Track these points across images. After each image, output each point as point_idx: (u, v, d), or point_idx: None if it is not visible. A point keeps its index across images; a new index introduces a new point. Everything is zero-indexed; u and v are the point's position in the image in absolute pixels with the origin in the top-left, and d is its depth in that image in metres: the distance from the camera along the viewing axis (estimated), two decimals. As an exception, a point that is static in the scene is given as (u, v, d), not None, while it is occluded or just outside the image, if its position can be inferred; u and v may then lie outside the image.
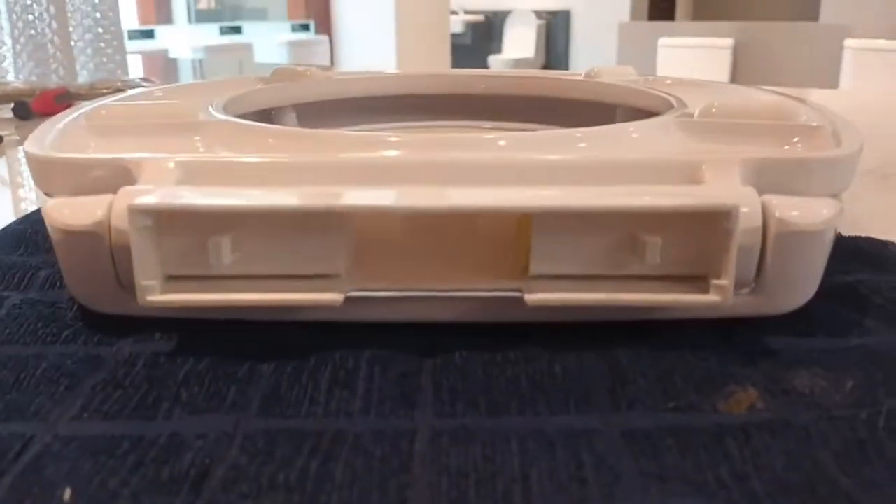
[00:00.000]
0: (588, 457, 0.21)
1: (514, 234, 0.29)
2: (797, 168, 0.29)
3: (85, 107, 0.39)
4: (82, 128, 0.36)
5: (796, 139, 0.33)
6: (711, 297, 0.26)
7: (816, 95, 0.87)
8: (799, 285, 0.28)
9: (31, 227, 0.43)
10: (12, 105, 0.76)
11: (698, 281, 0.27)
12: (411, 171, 0.28)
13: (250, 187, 0.28)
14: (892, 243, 0.37)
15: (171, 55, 3.08)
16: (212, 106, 0.39)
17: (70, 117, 0.37)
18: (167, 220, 0.26)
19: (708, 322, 0.29)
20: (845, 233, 0.39)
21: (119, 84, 0.89)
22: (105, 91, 0.82)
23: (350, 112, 0.56)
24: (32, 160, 0.31)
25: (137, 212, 0.25)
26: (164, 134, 0.34)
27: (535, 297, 0.26)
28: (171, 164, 0.29)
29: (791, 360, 0.26)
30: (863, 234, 0.39)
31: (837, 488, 0.20)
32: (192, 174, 0.29)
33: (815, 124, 0.34)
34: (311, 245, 0.27)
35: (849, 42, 2.11)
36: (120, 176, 0.29)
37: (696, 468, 0.20)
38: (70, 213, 0.28)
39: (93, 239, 0.27)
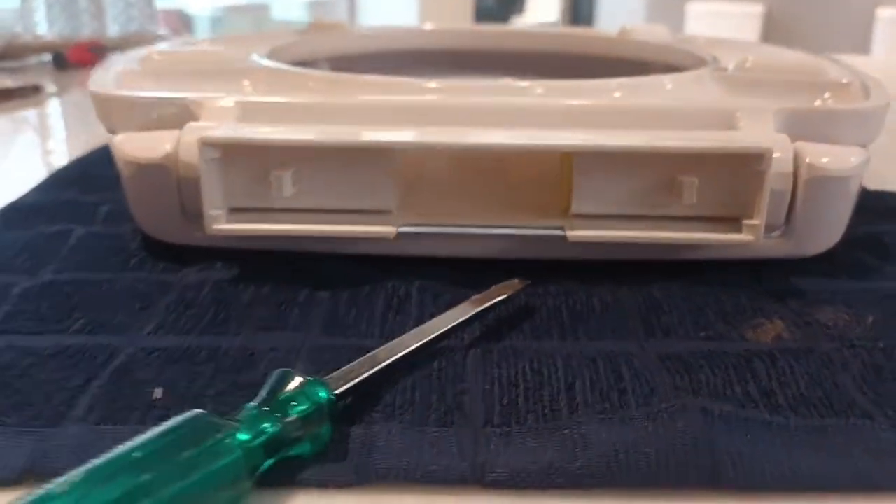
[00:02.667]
0: (627, 372, 0.23)
1: (557, 175, 0.30)
2: (828, 118, 0.31)
3: (136, 52, 0.41)
4: (137, 72, 0.37)
5: (827, 94, 0.34)
6: (744, 237, 0.27)
7: (849, 60, 0.86)
8: (826, 229, 0.30)
9: (83, 168, 0.45)
10: (52, 56, 0.78)
11: (731, 221, 0.28)
12: (454, 114, 0.30)
13: (305, 126, 0.29)
14: (915, 197, 0.38)
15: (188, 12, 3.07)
16: (256, 54, 0.40)
17: (124, 62, 0.39)
18: (233, 154, 0.28)
19: (738, 263, 0.30)
20: (873, 188, 0.40)
21: (152, 38, 0.91)
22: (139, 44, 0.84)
23: (383, 65, 0.57)
24: (100, 99, 0.33)
25: (206, 144, 0.27)
26: (215, 78, 0.36)
27: (576, 234, 0.28)
28: (231, 104, 0.31)
29: (816, 298, 0.28)
30: (889, 189, 0.40)
31: (854, 403, 0.22)
32: (249, 113, 0.31)
33: (845, 80, 0.35)
34: (364, 180, 0.29)
35: (881, 12, 2.07)
36: (183, 114, 0.31)
37: (727, 384, 0.22)
38: (140, 146, 0.30)
39: (161, 171, 0.29)
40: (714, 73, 0.37)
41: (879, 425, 0.21)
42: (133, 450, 0.17)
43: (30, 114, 0.63)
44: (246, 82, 0.36)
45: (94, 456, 0.17)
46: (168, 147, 0.29)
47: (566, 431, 0.20)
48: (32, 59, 0.79)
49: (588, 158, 0.28)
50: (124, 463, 0.17)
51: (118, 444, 0.17)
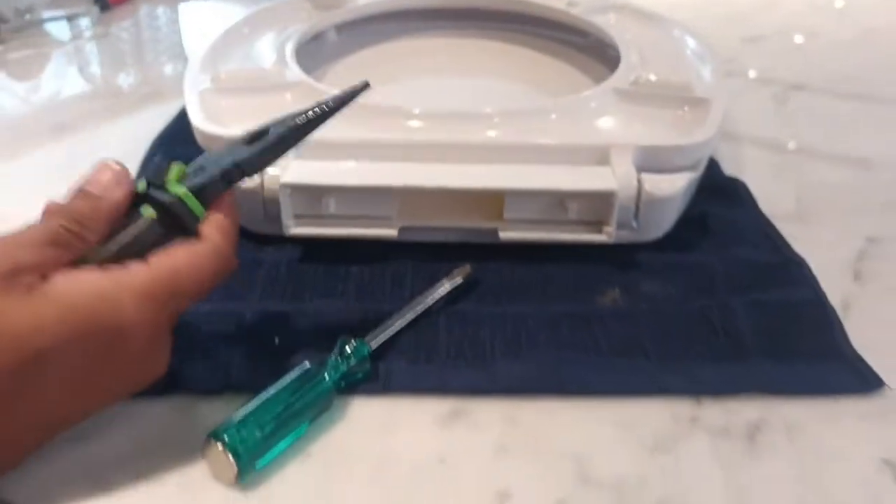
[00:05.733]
0: (523, 331, 0.43)
1: (497, 195, 0.48)
2: (669, 152, 0.48)
3: (205, 65, 0.57)
4: (212, 91, 0.54)
5: (686, 108, 0.52)
6: (602, 237, 0.46)
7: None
8: (660, 225, 0.49)
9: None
10: (94, -2, 0.91)
11: (599, 225, 0.47)
12: (441, 151, 0.47)
13: (341, 160, 0.47)
14: (742, 182, 0.56)
15: None
16: (287, 56, 0.57)
17: (199, 82, 0.55)
18: (299, 188, 0.46)
19: (609, 246, 0.49)
20: (728, 174, 0.58)
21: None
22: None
23: (384, 25, 0.73)
24: (199, 133, 0.50)
25: (284, 185, 0.45)
26: (266, 94, 0.54)
27: (506, 234, 0.47)
28: (289, 141, 0.48)
29: (647, 269, 0.47)
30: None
31: (642, 348, 0.42)
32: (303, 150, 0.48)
33: (701, 97, 0.53)
34: (377, 200, 0.47)
35: None
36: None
37: (574, 336, 0.42)
38: (237, 177, 0.47)
39: (253, 194, 0.47)
40: (615, 90, 0.54)
41: (647, 361, 0.41)
42: (283, 388, 0.37)
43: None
44: (287, 96, 0.53)
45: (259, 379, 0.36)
46: (257, 179, 0.47)
47: (486, 366, 0.40)
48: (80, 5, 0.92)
49: (513, 191, 0.46)
50: (276, 394, 0.36)
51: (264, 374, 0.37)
